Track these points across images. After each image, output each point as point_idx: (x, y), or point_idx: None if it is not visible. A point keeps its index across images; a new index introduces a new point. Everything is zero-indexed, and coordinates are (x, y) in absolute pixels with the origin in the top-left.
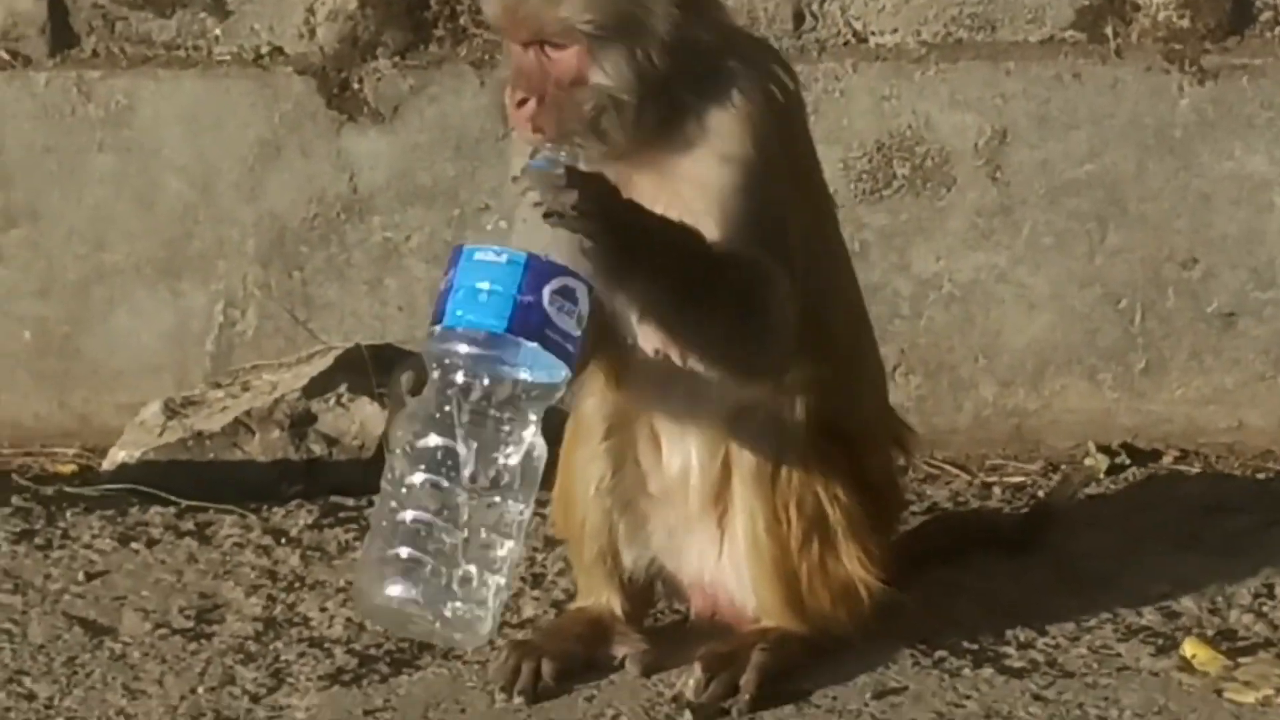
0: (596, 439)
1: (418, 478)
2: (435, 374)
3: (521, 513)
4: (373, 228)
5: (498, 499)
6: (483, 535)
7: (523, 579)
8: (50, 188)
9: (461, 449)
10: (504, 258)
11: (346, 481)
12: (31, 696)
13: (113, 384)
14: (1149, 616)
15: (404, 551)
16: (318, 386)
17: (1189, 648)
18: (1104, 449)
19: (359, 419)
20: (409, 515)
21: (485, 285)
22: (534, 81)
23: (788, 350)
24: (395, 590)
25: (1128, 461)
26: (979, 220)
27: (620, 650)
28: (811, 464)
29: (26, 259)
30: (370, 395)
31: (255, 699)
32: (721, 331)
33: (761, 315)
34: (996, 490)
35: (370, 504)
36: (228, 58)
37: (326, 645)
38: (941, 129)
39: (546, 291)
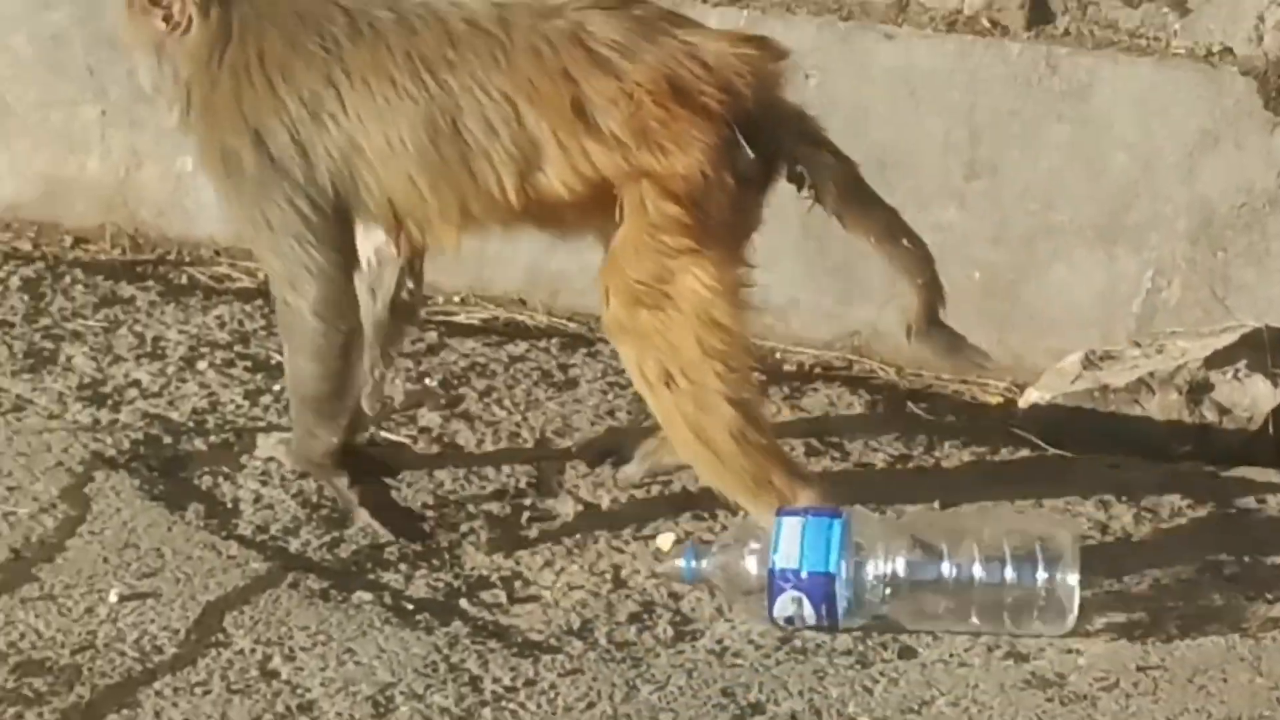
0: None
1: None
2: None
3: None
4: None
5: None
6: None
7: None
8: (1010, 148)
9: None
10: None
11: (1229, 450)
12: None
13: (1045, 330)
14: None
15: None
16: (1220, 359)
17: None
18: None
19: (1251, 394)
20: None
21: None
22: None
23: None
24: None
25: None
26: None
27: None
28: None
29: (984, 209)
30: (1265, 373)
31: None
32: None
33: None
34: None
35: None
36: (1182, 51)
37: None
38: None
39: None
